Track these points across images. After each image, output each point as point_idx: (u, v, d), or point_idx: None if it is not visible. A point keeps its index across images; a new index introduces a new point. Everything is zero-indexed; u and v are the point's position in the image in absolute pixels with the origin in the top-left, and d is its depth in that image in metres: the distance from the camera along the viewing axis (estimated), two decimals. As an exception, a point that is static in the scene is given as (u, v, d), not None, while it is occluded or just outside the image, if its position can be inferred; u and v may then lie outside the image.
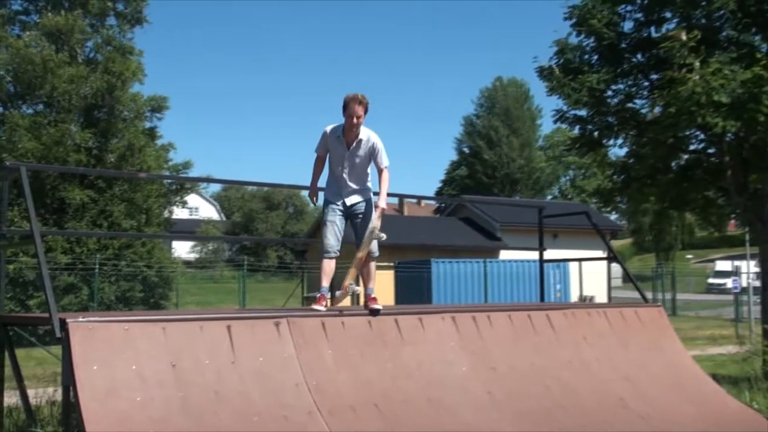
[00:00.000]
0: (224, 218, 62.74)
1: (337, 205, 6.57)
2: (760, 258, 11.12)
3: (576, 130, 11.83)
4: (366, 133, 6.41)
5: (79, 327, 5.07)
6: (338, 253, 6.46)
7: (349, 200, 6.58)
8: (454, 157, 69.00)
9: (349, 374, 6.03)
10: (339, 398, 5.79)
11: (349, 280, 6.62)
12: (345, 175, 6.52)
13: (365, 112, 6.30)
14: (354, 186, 6.57)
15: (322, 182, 6.85)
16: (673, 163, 12.29)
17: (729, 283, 30.51)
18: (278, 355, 5.81)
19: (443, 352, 6.74)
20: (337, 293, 6.75)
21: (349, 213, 6.61)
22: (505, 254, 31.54)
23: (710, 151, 11.65)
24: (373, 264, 6.64)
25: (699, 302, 29.61)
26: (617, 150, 12.17)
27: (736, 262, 25.01)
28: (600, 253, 29.88)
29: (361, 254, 6.55)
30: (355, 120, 6.26)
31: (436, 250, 29.27)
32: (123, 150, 23.54)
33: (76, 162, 22.12)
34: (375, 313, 6.51)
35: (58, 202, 22.63)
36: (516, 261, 25.89)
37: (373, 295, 6.68)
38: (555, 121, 11.65)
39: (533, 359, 7.27)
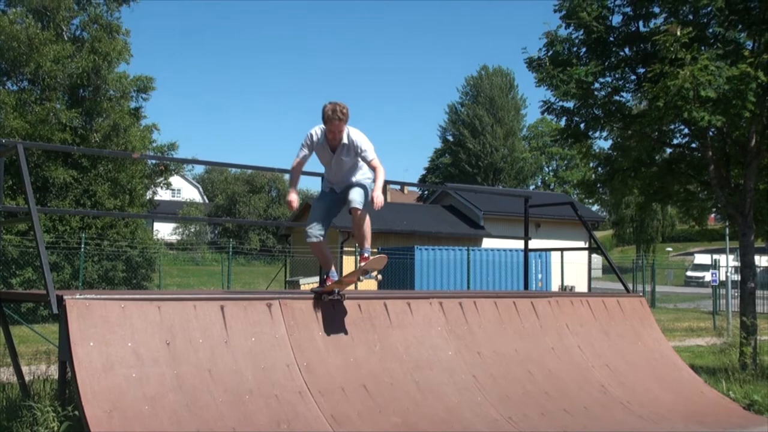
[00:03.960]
0: (206, 201, 62.58)
1: (327, 192, 6.69)
2: (740, 252, 11.34)
3: (563, 122, 11.96)
4: (347, 135, 6.37)
5: (77, 304, 5.15)
6: (320, 238, 6.47)
7: (339, 188, 6.63)
8: (439, 144, 69.19)
9: (338, 356, 6.15)
10: (329, 379, 5.92)
11: (338, 287, 6.56)
12: (334, 174, 6.58)
13: (346, 120, 6.28)
14: (346, 180, 6.58)
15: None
16: (657, 157, 12.47)
17: (707, 276, 30.93)
18: (270, 336, 5.93)
19: (430, 336, 6.88)
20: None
21: (339, 197, 6.64)
22: (487, 242, 31.80)
23: (693, 145, 11.83)
24: (367, 224, 6.51)
25: (678, 294, 30.00)
26: (602, 142, 12.34)
27: (715, 256, 25.38)
28: (582, 244, 30.18)
29: (348, 279, 6.49)
30: (336, 135, 6.30)
31: (419, 237, 29.46)
32: (108, 129, 23.43)
33: (60, 141, 22.01)
34: (363, 273, 6.49)
35: (41, 181, 22.51)
36: (498, 249, 26.12)
37: (366, 255, 6.59)
38: (542, 112, 11.76)
39: (517, 345, 7.44)
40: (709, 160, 11.01)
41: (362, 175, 6.57)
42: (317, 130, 6.42)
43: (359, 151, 6.36)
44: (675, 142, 12.07)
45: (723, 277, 21.80)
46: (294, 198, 6.56)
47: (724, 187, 11.12)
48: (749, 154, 10.78)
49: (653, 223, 44.92)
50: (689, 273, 43.98)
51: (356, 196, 6.36)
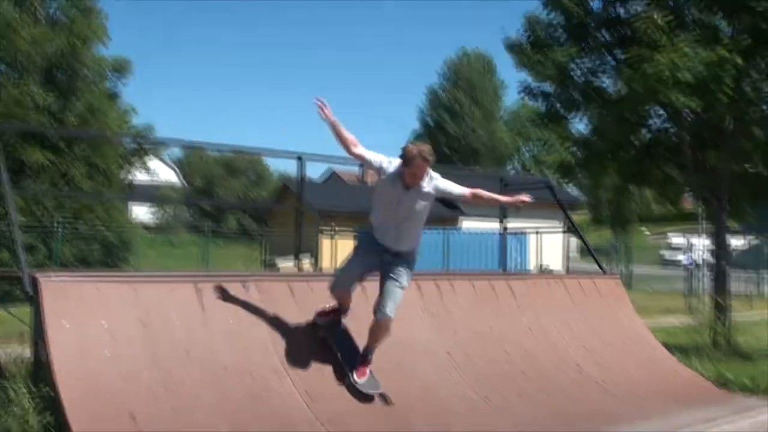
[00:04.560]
0: (184, 183, 62.18)
1: (374, 247, 5.73)
2: (714, 233, 11.48)
3: (541, 105, 12.00)
4: (429, 180, 5.56)
5: (51, 285, 5.12)
6: (347, 292, 5.87)
7: (392, 247, 5.70)
8: (418, 127, 69.11)
9: (314, 335, 6.15)
10: (303, 357, 5.91)
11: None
12: (394, 221, 5.61)
13: (431, 163, 5.50)
14: (404, 236, 5.69)
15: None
16: (634, 140, 12.54)
17: (682, 257, 31.29)
18: (246, 316, 5.91)
19: (408, 316, 6.90)
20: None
21: (383, 263, 5.73)
22: (465, 224, 31.88)
23: (670, 129, 11.91)
24: (387, 332, 5.79)
25: (654, 276, 30.30)
26: (580, 126, 12.37)
27: (690, 237, 25.66)
28: (560, 226, 30.33)
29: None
30: (417, 178, 5.49)
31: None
32: (84, 111, 23.18)
33: (36, 123, 21.74)
34: (355, 384, 5.78)
35: (18, 164, 22.24)
36: (476, 231, 26.19)
37: (370, 357, 5.89)
38: (521, 95, 11.81)
39: (494, 325, 7.49)
40: (686, 144, 11.11)
41: (417, 239, 5.81)
42: (394, 161, 5.57)
43: (444, 191, 5.60)
44: (653, 125, 12.15)
45: (698, 259, 22.11)
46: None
47: (699, 170, 11.22)
48: (724, 138, 10.87)
49: (630, 205, 45.21)
50: (664, 254, 44.42)
51: (391, 300, 5.61)
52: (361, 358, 5.87)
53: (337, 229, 23.95)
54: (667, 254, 43.86)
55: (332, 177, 48.61)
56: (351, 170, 46.10)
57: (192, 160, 60.78)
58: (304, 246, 9.65)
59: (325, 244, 25.15)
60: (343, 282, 5.86)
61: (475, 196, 5.76)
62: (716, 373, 8.63)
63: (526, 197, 5.78)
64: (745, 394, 8.13)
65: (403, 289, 5.72)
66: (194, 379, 5.25)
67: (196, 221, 45.05)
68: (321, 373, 5.88)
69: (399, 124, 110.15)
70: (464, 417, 6.08)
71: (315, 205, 25.35)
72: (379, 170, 5.59)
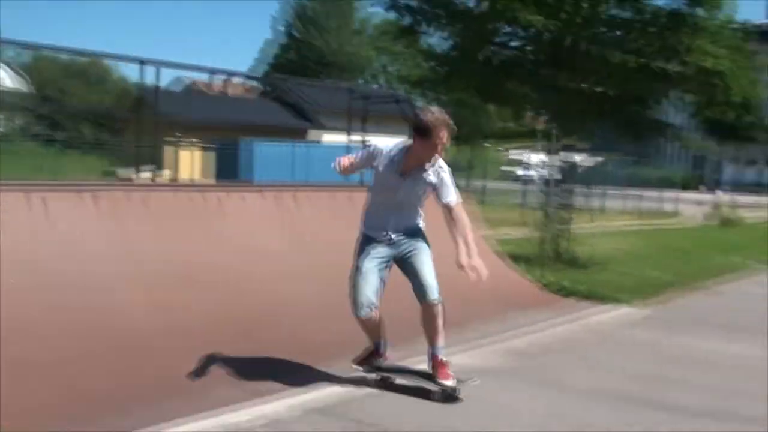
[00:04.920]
0: (32, 91, 58.28)
1: (379, 241, 4.91)
2: (561, 150, 12.06)
3: (405, 20, 11.96)
4: (436, 165, 4.82)
5: None
6: (376, 308, 4.82)
7: (396, 234, 4.92)
8: (269, 35, 67.37)
9: (164, 245, 6.02)
10: (152, 266, 5.79)
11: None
12: (396, 206, 4.89)
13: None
14: (406, 222, 4.96)
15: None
16: (493, 59, 12.77)
17: (523, 172, 32.80)
18: (89, 226, 5.70)
19: (260, 227, 6.89)
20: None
21: (396, 251, 4.92)
22: (317, 137, 32.03)
23: (528, 48, 12.21)
24: (440, 313, 4.85)
25: (506, 190, 31.52)
26: (433, 40, 12.44)
27: (536, 155, 26.69)
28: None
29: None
30: (440, 149, 4.71)
31: (251, 130, 28.97)
32: None
33: None
34: (445, 394, 4.82)
35: None
36: (334, 145, 26.20)
37: (441, 358, 4.91)
38: (386, 10, 11.75)
39: (349, 236, 7.59)
40: (542, 64, 11.46)
41: (421, 215, 5.03)
42: (392, 147, 4.87)
43: (442, 183, 4.77)
44: (512, 44, 12.40)
45: (543, 173, 23.08)
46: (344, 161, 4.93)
47: (547, 87, 11.62)
48: (572, 56, 11.24)
49: (480, 121, 46.56)
50: (507, 169, 46.45)
51: (431, 276, 4.80)
52: (435, 362, 4.88)
53: (189, 141, 23.40)
54: (511, 169, 45.75)
55: (190, 87, 47.06)
56: (200, 79, 44.79)
57: (41, 65, 56.99)
58: (154, 157, 9.35)
59: (184, 156, 24.49)
60: (363, 299, 4.77)
61: (451, 212, 4.76)
62: (556, 281, 9.23)
63: (484, 274, 4.67)
64: (579, 299, 8.76)
65: (428, 246, 4.94)
66: (31, 290, 5.02)
67: (45, 130, 42.56)
68: (167, 282, 5.75)
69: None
70: (316, 321, 6.15)
71: (172, 115, 24.49)
72: (378, 159, 4.83)
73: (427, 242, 4.95)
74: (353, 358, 5.14)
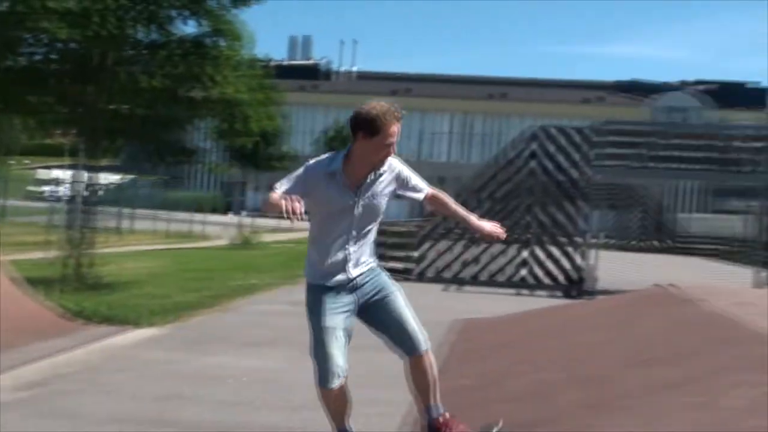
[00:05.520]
0: None
1: (338, 288, 3.86)
2: (87, 168, 11.69)
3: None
4: (388, 162, 3.90)
5: None
6: (346, 375, 3.78)
7: (356, 271, 3.90)
8: None
9: None
10: None
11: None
12: (350, 239, 3.87)
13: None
14: (360, 254, 3.93)
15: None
16: (12, 65, 11.88)
17: (48, 189, 31.17)
18: None
19: None
20: None
21: (358, 296, 3.90)
22: None
23: (53, 57, 11.61)
24: (434, 361, 4.00)
25: (31, 209, 29.35)
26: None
27: (61, 172, 25.48)
28: None
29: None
30: (392, 145, 3.78)
31: None
32: None
33: None
34: None
35: None
36: None
37: (443, 411, 3.96)
38: None
39: None
40: (63, 74, 11.00)
41: (373, 258, 4.04)
42: (324, 160, 3.85)
43: (406, 180, 3.96)
44: (35, 51, 11.68)
45: (65, 193, 22.05)
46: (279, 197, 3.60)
47: (74, 103, 11.23)
48: (100, 73, 11.04)
49: (2, 135, 43.08)
50: (34, 188, 43.59)
51: (414, 321, 3.90)
52: (441, 420, 3.92)
53: None
54: (37, 188, 43.15)
55: None
56: None
57: None
58: None
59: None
60: (332, 366, 3.75)
61: (434, 198, 4.09)
62: (75, 305, 8.81)
63: (501, 232, 4.10)
64: (99, 322, 8.47)
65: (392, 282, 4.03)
66: None
67: None
68: None
69: None
70: None
71: None
72: (308, 183, 3.77)
73: (388, 275, 4.06)
74: None
